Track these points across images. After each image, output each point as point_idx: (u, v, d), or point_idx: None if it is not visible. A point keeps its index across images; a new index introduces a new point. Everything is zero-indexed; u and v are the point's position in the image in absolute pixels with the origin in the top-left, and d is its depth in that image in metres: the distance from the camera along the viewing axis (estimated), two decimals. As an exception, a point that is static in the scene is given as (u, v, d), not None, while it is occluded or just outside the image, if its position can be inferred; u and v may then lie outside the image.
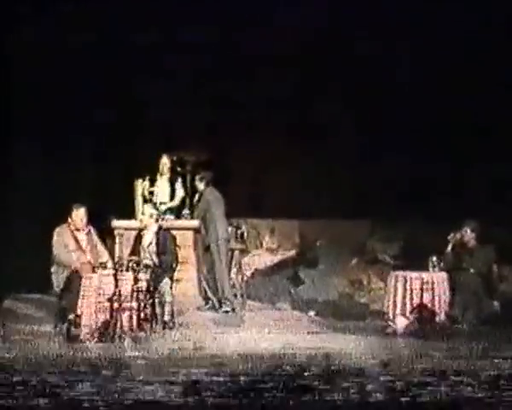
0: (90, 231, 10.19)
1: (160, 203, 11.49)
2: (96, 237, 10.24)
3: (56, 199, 11.50)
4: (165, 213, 11.50)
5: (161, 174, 11.70)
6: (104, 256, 10.05)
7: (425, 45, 12.43)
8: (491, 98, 12.30)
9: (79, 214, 10.08)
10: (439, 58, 12.55)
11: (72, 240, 10.04)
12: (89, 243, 10.12)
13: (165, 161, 11.67)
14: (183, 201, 11.78)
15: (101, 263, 9.89)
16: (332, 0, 12.36)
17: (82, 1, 12.19)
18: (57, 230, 10.11)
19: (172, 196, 11.73)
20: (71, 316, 9.52)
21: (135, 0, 12.27)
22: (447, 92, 12.46)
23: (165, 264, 10.21)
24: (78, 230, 10.09)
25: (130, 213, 11.53)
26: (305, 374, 7.78)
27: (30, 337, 9.66)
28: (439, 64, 12.54)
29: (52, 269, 10.00)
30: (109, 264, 9.77)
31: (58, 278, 9.90)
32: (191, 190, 11.78)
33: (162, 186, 11.68)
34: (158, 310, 9.85)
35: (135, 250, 10.40)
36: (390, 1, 12.30)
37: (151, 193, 11.57)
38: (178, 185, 11.74)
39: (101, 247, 10.25)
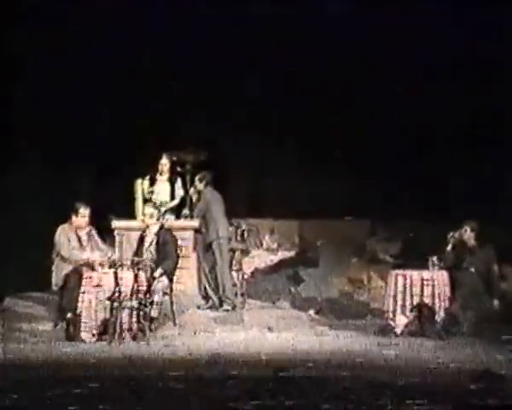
0: (90, 230, 10.19)
1: (161, 203, 11.47)
2: (97, 237, 10.24)
3: (57, 199, 11.51)
4: (165, 212, 11.48)
5: (161, 174, 11.68)
6: (108, 253, 10.08)
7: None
8: (492, 99, 12.32)
9: (83, 213, 10.08)
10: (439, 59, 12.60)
11: (76, 238, 10.05)
12: (89, 242, 10.12)
13: (164, 162, 11.63)
14: (183, 200, 11.76)
15: (101, 263, 9.89)
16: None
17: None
18: (61, 227, 10.11)
19: (172, 196, 11.70)
20: (70, 315, 9.52)
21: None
22: (447, 91, 12.48)
23: (166, 264, 10.20)
24: (80, 228, 10.10)
25: (130, 213, 11.53)
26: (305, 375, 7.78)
27: (30, 336, 9.67)
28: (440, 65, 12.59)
29: (53, 267, 10.01)
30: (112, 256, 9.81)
31: (58, 277, 9.90)
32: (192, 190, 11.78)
33: (162, 186, 11.66)
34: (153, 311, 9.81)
35: (137, 250, 10.40)
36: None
37: (151, 192, 11.55)
38: (178, 185, 11.72)
39: (103, 246, 10.25)
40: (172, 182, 11.70)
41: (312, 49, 12.61)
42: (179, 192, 11.71)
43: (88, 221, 10.13)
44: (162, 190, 11.64)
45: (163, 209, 11.40)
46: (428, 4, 12.23)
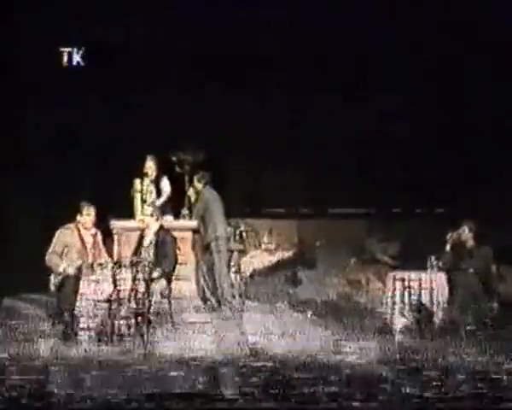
0: (96, 233, 10.16)
1: (152, 203, 11.43)
2: (101, 245, 10.21)
3: (57, 199, 11.51)
4: (164, 213, 11.47)
5: (147, 176, 11.64)
6: (104, 258, 10.05)
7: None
8: (492, 99, 12.32)
9: (88, 213, 10.05)
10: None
11: (78, 240, 10.00)
12: (94, 244, 10.08)
13: (149, 165, 11.60)
14: (180, 200, 11.76)
15: (99, 264, 9.88)
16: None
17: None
18: (61, 229, 10.06)
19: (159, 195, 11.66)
20: (68, 316, 9.52)
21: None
22: (448, 92, 12.47)
23: (165, 265, 10.20)
24: (85, 229, 10.06)
25: (129, 213, 11.53)
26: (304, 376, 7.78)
27: (28, 337, 9.67)
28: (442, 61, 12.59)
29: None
30: (109, 265, 9.75)
31: (56, 278, 9.88)
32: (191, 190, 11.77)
33: (149, 188, 11.63)
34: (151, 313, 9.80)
35: (136, 250, 10.40)
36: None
37: (140, 192, 11.54)
38: (164, 182, 11.66)
39: (104, 255, 10.22)
40: (158, 182, 11.66)
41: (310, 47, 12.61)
42: (165, 189, 11.65)
43: (94, 220, 10.09)
44: (149, 191, 11.62)
45: (155, 206, 11.36)
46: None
